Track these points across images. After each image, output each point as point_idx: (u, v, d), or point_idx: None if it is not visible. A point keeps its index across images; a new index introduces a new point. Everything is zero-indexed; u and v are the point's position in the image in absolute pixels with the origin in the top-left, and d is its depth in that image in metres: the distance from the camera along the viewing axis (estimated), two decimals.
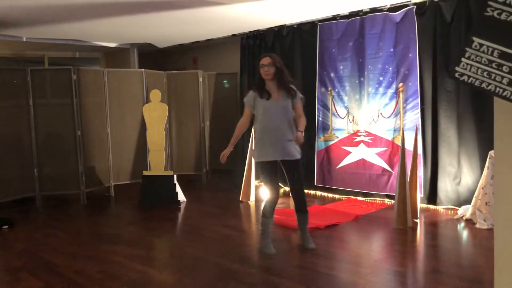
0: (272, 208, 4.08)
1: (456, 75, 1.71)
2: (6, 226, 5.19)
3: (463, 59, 1.68)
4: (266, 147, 3.99)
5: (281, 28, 6.86)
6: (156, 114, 6.30)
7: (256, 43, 7.29)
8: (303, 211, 4.15)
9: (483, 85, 1.76)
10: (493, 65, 1.72)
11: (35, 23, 6.06)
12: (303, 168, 4.13)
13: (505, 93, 1.77)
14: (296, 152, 4.02)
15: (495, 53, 1.69)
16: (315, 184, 6.57)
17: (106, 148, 6.85)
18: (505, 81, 1.75)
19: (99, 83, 6.77)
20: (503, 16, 1.66)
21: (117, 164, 6.98)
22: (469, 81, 1.71)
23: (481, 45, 1.68)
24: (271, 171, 4.03)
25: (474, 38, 1.70)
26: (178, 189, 6.15)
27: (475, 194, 4.74)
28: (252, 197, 6.22)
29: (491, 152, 4.56)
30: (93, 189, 6.71)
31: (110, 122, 6.87)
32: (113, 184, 6.95)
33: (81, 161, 6.45)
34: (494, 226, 1.92)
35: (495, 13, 1.67)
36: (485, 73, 1.72)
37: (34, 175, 6.26)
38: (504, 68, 1.72)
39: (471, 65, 1.69)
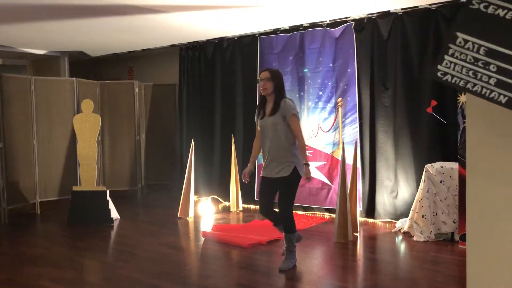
0: (270, 220, 4.03)
1: (439, 74, 1.56)
2: None
3: (446, 57, 1.53)
4: (264, 163, 3.95)
5: (221, 40, 6.76)
6: (87, 125, 5.93)
7: (195, 54, 7.13)
8: (285, 229, 3.95)
9: (468, 85, 1.55)
10: (479, 63, 1.55)
11: None
12: (291, 188, 3.85)
13: (492, 95, 1.57)
14: (282, 171, 3.80)
15: (482, 50, 1.54)
16: (255, 198, 6.46)
17: (31, 162, 6.35)
18: (492, 81, 1.56)
19: (25, 91, 6.30)
20: (490, 10, 1.50)
21: (44, 179, 6.49)
22: (453, 81, 1.56)
23: (466, 41, 1.54)
24: (262, 186, 3.99)
25: (458, 34, 1.53)
26: (111, 205, 5.79)
27: (412, 207, 4.83)
28: (191, 213, 5.98)
29: (427, 166, 4.67)
30: (16, 206, 6.18)
31: (37, 133, 6.40)
32: (39, 200, 6.44)
33: (3, 176, 5.91)
34: (466, 237, 1.85)
35: (481, 6, 1.52)
36: (470, 73, 1.56)
37: None
38: (491, 67, 1.55)
39: (455, 64, 1.55)
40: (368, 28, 5.44)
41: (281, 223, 3.93)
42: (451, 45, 1.53)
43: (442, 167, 4.63)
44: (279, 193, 3.89)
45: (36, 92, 6.40)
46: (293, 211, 5.60)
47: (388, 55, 5.31)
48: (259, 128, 3.96)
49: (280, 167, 3.79)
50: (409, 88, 5.16)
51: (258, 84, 3.88)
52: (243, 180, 4.06)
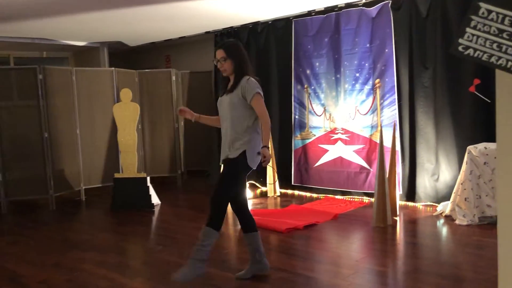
0: (238, 220, 3.59)
1: (460, 48, 1.47)
2: None
3: (467, 29, 1.44)
4: (222, 146, 3.44)
5: (255, 24, 6.72)
6: (127, 113, 6.06)
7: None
8: (207, 223, 3.32)
9: (492, 59, 1.45)
10: (504, 35, 1.42)
11: None
12: (233, 171, 3.30)
13: None
14: (233, 150, 3.26)
15: (506, 21, 1.42)
16: (292, 183, 6.45)
17: (75, 151, 6.58)
18: None
19: (67, 82, 6.49)
20: None
21: (87, 167, 6.71)
22: (475, 55, 1.46)
23: (489, 11, 1.44)
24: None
25: (481, 4, 1.43)
26: (152, 191, 5.93)
27: (454, 190, 4.69)
28: None
29: (470, 147, 4.51)
30: (63, 194, 6.43)
31: (80, 123, 6.61)
32: (83, 187, 6.68)
33: (49, 165, 6.16)
34: (497, 223, 1.76)
35: None
36: (494, 45, 1.45)
37: None
38: None
39: (478, 36, 1.44)
40: (405, 6, 5.26)
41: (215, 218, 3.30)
42: (473, 17, 1.42)
43: (486, 148, 4.46)
44: (219, 176, 3.40)
45: (78, 82, 6.59)
46: (331, 196, 5.51)
47: (427, 34, 5.12)
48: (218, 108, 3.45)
49: (229, 150, 3.27)
50: (450, 67, 4.97)
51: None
52: (177, 111, 3.61)
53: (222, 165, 3.41)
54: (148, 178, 5.97)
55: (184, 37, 7.61)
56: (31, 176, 6.13)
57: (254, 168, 3.35)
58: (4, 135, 6.02)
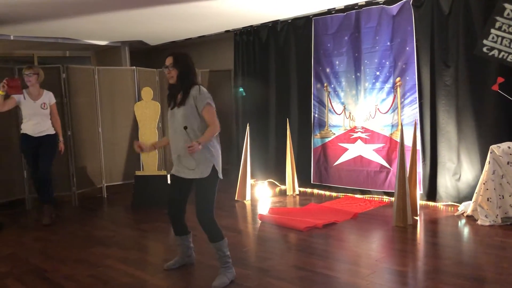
0: (172, 225, 3.55)
1: (484, 49, 1.47)
2: None
3: (492, 31, 1.44)
4: (174, 161, 3.40)
5: (275, 23, 6.72)
6: (148, 112, 6.14)
7: (249, 39, 7.15)
8: (209, 239, 3.38)
9: None
10: None
11: (22, 21, 5.89)
12: (211, 190, 3.30)
13: None
14: (199, 170, 3.24)
15: None
16: (311, 182, 6.45)
17: (97, 148, 6.69)
18: None
19: (90, 81, 6.60)
20: None
21: (109, 165, 6.82)
22: (500, 56, 1.46)
23: None
24: (173, 185, 3.48)
25: (507, 5, 1.41)
26: None
27: (476, 190, 4.62)
28: (248, 196, 6.09)
29: (493, 147, 4.44)
30: (85, 190, 6.55)
31: (102, 121, 6.71)
32: (105, 185, 6.79)
33: (72, 162, 6.29)
34: None
35: None
36: None
37: (24, 177, 6.10)
38: None
39: (503, 37, 1.44)
40: (427, 3, 5.19)
41: (213, 236, 3.35)
42: (498, 18, 1.42)
43: (509, 147, 4.38)
44: (197, 197, 3.31)
45: (100, 81, 6.69)
46: (350, 195, 5.51)
47: (449, 31, 5.05)
48: (168, 121, 3.40)
49: (195, 166, 3.23)
50: (472, 65, 4.88)
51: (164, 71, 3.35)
52: (135, 147, 3.56)
53: (177, 178, 3.37)
54: (169, 176, 6.02)
55: (204, 36, 7.66)
56: (54, 173, 6.24)
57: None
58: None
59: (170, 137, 3.40)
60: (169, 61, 3.31)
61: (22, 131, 5.26)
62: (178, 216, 3.52)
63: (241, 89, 6.88)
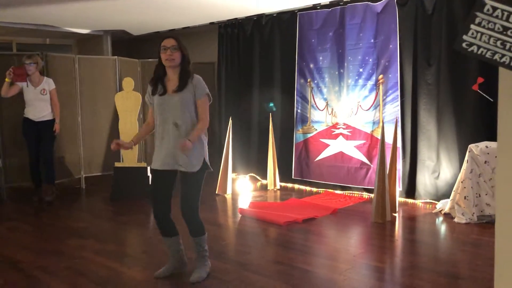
0: (160, 226, 3.32)
1: (464, 45, 1.46)
2: None
3: (472, 26, 1.43)
4: (158, 152, 3.20)
5: (260, 17, 6.69)
6: (128, 103, 6.06)
7: (234, 32, 7.10)
8: (191, 233, 3.30)
9: (496, 56, 1.45)
10: (509, 32, 1.42)
11: (2, 6, 5.74)
12: (199, 185, 3.19)
13: None
14: (190, 164, 3.11)
15: (511, 18, 1.44)
16: (292, 177, 6.46)
17: (76, 138, 6.58)
18: None
19: (70, 70, 6.49)
20: None
21: (88, 155, 6.72)
22: (479, 52, 1.46)
23: (494, 8, 1.43)
24: (156, 181, 3.25)
25: (487, 1, 1.42)
26: None
27: (454, 188, 4.68)
28: (229, 190, 6.07)
29: (471, 146, 4.50)
30: (63, 181, 6.44)
31: (82, 110, 6.60)
32: (84, 175, 6.69)
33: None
34: (495, 221, 1.76)
35: None
36: (498, 43, 1.45)
37: None
38: None
39: (482, 33, 1.44)
40: (411, 2, 5.22)
41: (196, 231, 3.27)
42: (478, 13, 1.42)
43: (487, 147, 4.45)
44: (183, 191, 3.18)
45: (80, 70, 6.58)
46: (331, 191, 5.52)
47: (432, 31, 5.09)
48: (155, 107, 3.19)
49: (186, 159, 3.09)
50: (454, 64, 4.95)
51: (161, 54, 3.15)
52: (111, 146, 3.33)
53: (161, 173, 3.18)
54: (149, 168, 5.96)
55: (188, 27, 7.58)
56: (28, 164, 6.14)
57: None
58: (4, 122, 6.02)
59: (158, 127, 3.18)
60: (171, 42, 3.12)
61: (24, 115, 5.63)
62: (166, 215, 3.28)
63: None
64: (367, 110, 5.71)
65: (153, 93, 3.19)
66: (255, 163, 6.94)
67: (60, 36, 8.31)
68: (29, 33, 7.60)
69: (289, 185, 6.48)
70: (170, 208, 3.29)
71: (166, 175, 3.19)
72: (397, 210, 4.92)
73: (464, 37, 1.46)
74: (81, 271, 3.51)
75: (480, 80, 4.76)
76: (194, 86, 3.14)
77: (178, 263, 3.41)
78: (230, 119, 6.30)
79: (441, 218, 4.76)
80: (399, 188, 5.28)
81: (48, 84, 5.69)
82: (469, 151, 4.50)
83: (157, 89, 3.17)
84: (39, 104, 5.60)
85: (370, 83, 5.65)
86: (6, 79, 5.37)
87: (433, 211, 4.97)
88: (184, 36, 8.33)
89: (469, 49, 1.46)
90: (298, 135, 6.41)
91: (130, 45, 8.98)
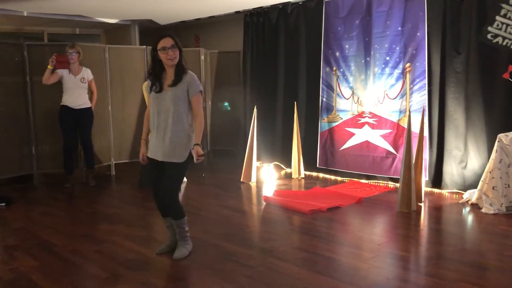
0: (159, 207, 3.54)
1: (489, 36, 1.46)
2: (3, 204, 5.12)
3: (497, 17, 1.43)
4: (151, 142, 3.43)
5: (285, 5, 6.67)
6: None
7: (259, 20, 7.11)
8: (172, 216, 3.49)
9: None
10: None
11: None
12: (183, 172, 3.40)
13: None
14: (176, 156, 3.28)
15: None
16: (317, 166, 6.47)
17: (107, 126, 6.74)
18: None
19: (100, 60, 6.62)
20: None
21: (118, 143, 6.89)
22: (504, 43, 1.45)
23: None
24: (153, 167, 3.44)
25: None
26: None
27: (482, 178, 4.62)
28: (254, 178, 6.13)
29: (500, 135, 4.42)
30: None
31: (112, 99, 6.75)
32: (114, 162, 6.86)
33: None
34: None
35: None
36: None
37: (32, 152, 6.18)
38: None
39: (507, 25, 1.43)
40: None
41: (176, 214, 3.46)
42: (503, 5, 1.41)
43: None
44: (166, 178, 3.34)
45: (110, 60, 6.71)
46: (356, 180, 5.51)
47: (462, 18, 4.97)
48: (151, 101, 3.36)
49: (173, 151, 3.27)
50: (484, 53, 4.82)
51: (159, 54, 3.25)
52: (144, 163, 3.55)
53: (153, 161, 3.38)
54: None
55: (213, 16, 7.62)
56: (62, 150, 6.32)
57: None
58: (37, 109, 6.21)
59: (152, 118, 3.35)
60: (170, 42, 3.22)
61: (62, 103, 5.83)
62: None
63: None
64: (393, 98, 5.66)
65: (150, 90, 3.34)
66: (279, 152, 6.98)
67: (89, 26, 8.47)
68: (60, 23, 7.78)
69: (314, 173, 6.49)
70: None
71: (157, 163, 3.39)
72: (422, 199, 4.89)
73: (489, 28, 1.45)
74: (111, 255, 3.63)
75: (511, 68, 4.65)
76: (188, 83, 3.27)
77: (176, 241, 3.63)
78: (255, 107, 6.34)
79: (468, 209, 4.70)
80: (425, 177, 5.23)
81: (87, 73, 5.95)
82: (498, 141, 4.42)
83: (154, 87, 3.31)
84: (78, 92, 5.83)
85: (397, 71, 5.59)
86: (49, 66, 5.57)
87: (460, 201, 4.91)
88: (209, 25, 8.40)
89: (494, 40, 1.46)
90: (323, 124, 6.40)
91: (157, 34, 9.07)
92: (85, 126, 5.97)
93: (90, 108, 5.98)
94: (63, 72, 5.72)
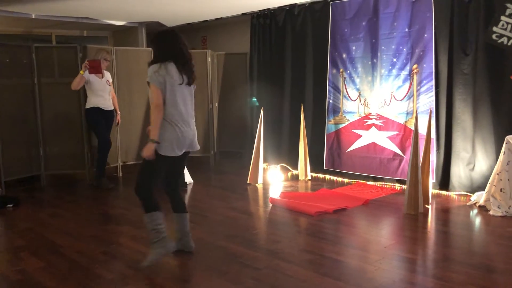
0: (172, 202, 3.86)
1: (493, 36, 1.45)
2: (11, 205, 5.16)
3: (502, 18, 1.42)
4: (184, 134, 3.61)
5: (292, 6, 6.67)
6: None
7: (266, 22, 7.11)
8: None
9: None
10: None
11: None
12: (151, 162, 3.66)
13: None
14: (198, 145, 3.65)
15: None
16: (324, 167, 6.45)
17: (114, 128, 6.75)
18: None
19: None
20: None
21: (125, 144, 6.91)
22: (509, 43, 1.44)
23: None
24: (178, 163, 3.74)
25: None
26: (185, 170, 6.05)
27: (490, 180, 4.58)
28: (260, 180, 6.12)
29: (508, 137, 4.39)
30: None
31: (118, 101, 6.77)
32: (120, 164, 6.89)
33: (87, 140, 6.39)
34: None
35: None
36: None
37: (40, 154, 6.22)
38: None
39: None
40: None
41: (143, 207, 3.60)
42: (508, 5, 1.40)
43: None
44: (182, 166, 3.88)
45: (117, 61, 6.74)
46: (363, 182, 5.48)
47: (469, 19, 4.95)
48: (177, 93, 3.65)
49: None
50: (491, 54, 4.79)
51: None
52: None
53: (179, 157, 3.57)
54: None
55: (220, 18, 7.63)
56: (69, 151, 6.37)
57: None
58: (45, 111, 6.26)
59: (179, 110, 3.52)
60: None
61: (93, 105, 5.95)
62: (177, 192, 3.79)
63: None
64: (400, 100, 5.64)
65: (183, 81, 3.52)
66: (286, 154, 6.97)
67: (97, 28, 8.52)
68: (68, 25, 7.83)
69: (320, 175, 6.48)
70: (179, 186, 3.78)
71: (183, 157, 3.63)
72: (430, 202, 4.86)
73: (494, 28, 1.44)
74: (117, 255, 3.64)
75: None
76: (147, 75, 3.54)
77: (179, 243, 3.71)
78: (262, 109, 6.34)
79: (475, 211, 4.67)
80: (432, 179, 5.20)
81: (109, 76, 6.16)
82: (506, 143, 4.38)
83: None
84: (106, 94, 6.03)
85: (404, 73, 5.57)
86: (81, 72, 5.67)
87: (467, 204, 4.88)
88: (216, 27, 8.42)
89: (499, 41, 1.45)
90: (329, 126, 6.39)
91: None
92: (110, 127, 6.19)
93: (114, 109, 6.23)
94: (89, 76, 5.80)
